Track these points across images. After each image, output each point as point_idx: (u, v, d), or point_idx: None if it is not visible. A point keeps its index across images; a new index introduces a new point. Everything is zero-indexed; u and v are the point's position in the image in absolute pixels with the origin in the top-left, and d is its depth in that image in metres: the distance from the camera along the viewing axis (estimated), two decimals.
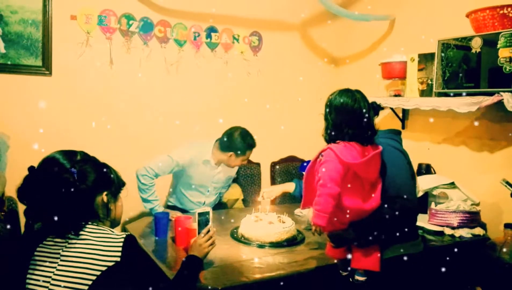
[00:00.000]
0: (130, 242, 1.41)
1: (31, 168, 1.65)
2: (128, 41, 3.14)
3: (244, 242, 2.19)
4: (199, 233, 1.81)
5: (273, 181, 3.56)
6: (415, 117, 3.16)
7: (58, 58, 2.92)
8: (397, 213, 1.72)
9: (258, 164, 3.56)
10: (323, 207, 1.69)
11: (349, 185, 1.72)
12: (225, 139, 2.76)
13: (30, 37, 2.84)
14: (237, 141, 2.71)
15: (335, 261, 1.92)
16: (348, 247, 1.83)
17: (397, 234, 1.76)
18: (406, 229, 1.77)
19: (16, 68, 2.81)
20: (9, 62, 2.78)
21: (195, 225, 1.87)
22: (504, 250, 2.14)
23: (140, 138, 3.18)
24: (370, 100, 2.02)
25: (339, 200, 1.72)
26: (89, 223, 1.44)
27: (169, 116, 3.29)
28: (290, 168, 3.60)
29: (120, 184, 1.58)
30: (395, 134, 1.99)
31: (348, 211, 1.74)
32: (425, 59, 2.80)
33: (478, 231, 2.36)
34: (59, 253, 1.39)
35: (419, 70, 2.83)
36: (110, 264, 1.35)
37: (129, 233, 1.45)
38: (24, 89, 2.83)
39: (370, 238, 1.72)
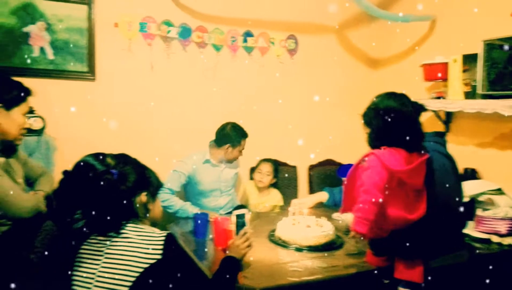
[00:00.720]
0: (170, 241, 1.44)
1: (65, 172, 1.73)
2: (168, 47, 3.23)
3: (282, 245, 2.17)
4: (236, 234, 1.83)
5: (310, 185, 3.54)
6: (459, 120, 3.05)
7: (101, 63, 3.04)
8: (443, 223, 1.66)
9: (294, 167, 3.55)
10: (365, 214, 1.64)
11: (393, 193, 1.66)
12: (218, 135, 2.91)
13: (76, 44, 2.97)
14: (230, 133, 2.87)
15: (375, 269, 1.87)
16: (389, 256, 1.78)
17: (443, 244, 1.69)
18: (452, 239, 1.71)
19: (63, 74, 2.95)
20: (56, 68, 2.92)
21: (232, 227, 1.89)
22: None
23: (178, 140, 3.25)
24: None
25: (382, 208, 1.66)
26: (130, 222, 1.48)
27: (206, 119, 3.34)
28: (327, 171, 3.57)
29: (158, 184, 1.62)
30: (440, 137, 1.91)
31: (391, 220, 1.68)
32: (469, 60, 2.71)
33: None
34: (102, 251, 1.44)
35: (463, 71, 2.75)
36: (152, 262, 1.38)
37: (169, 231, 1.49)
38: (70, 93, 2.97)
39: (414, 249, 1.66)
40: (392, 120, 1.69)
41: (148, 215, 1.56)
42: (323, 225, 2.22)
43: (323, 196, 2.45)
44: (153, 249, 1.40)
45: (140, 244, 1.41)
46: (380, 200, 1.62)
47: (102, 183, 1.45)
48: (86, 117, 2.99)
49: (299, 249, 2.11)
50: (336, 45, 3.82)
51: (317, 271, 1.87)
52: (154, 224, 1.62)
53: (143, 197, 1.53)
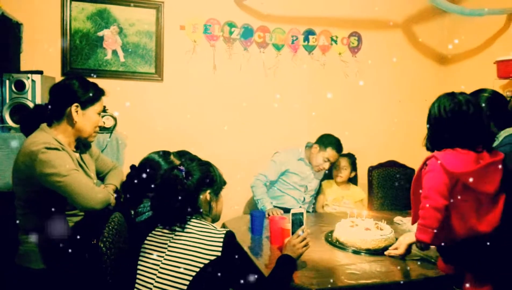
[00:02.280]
0: (230, 238, 1.48)
1: (132, 167, 1.85)
2: (230, 47, 3.31)
3: (339, 246, 2.14)
4: (293, 233, 1.83)
5: (370, 186, 3.43)
6: None
7: (168, 65, 3.19)
8: None
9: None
10: (427, 222, 1.54)
11: (458, 199, 1.52)
12: (319, 137, 3.03)
13: (145, 47, 3.15)
14: (326, 136, 2.99)
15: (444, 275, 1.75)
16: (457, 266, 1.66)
17: None
18: None
19: (133, 75, 3.14)
20: (127, 70, 3.12)
21: (289, 225, 1.89)
22: None
23: (240, 138, 3.32)
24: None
25: (447, 216, 1.54)
26: (194, 217, 1.55)
27: (267, 118, 3.38)
28: (389, 173, 3.44)
29: (222, 183, 1.68)
30: None
31: (455, 230, 1.55)
32: None
33: None
34: (166, 244, 1.51)
35: None
36: (212, 258, 1.43)
37: (228, 229, 1.53)
38: (140, 94, 3.14)
39: (483, 265, 1.52)
40: (446, 120, 1.59)
41: (210, 212, 1.62)
42: (383, 229, 2.16)
43: (412, 237, 1.91)
44: (213, 245, 1.45)
45: (201, 240, 1.47)
46: (443, 205, 1.51)
47: (170, 178, 1.53)
48: (154, 116, 3.15)
49: (356, 252, 2.06)
50: (402, 41, 3.68)
51: (375, 275, 1.81)
52: (215, 220, 1.68)
53: (207, 194, 1.59)
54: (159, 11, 3.14)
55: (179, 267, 1.44)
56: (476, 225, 1.53)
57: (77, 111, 1.77)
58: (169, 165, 1.84)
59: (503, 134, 1.71)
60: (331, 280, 1.75)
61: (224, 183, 1.70)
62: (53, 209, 1.66)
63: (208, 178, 1.60)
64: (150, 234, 1.58)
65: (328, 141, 2.94)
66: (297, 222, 1.86)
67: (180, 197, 1.50)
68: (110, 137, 2.60)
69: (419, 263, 1.93)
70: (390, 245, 2.07)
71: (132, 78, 3.13)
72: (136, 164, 1.92)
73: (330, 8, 3.47)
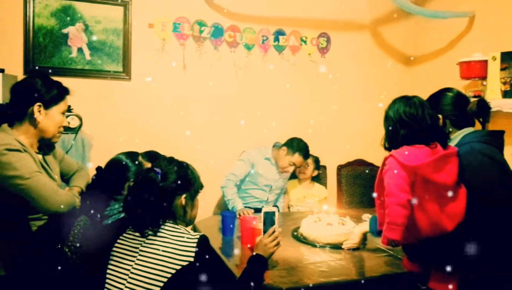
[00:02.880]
0: (203, 243, 1.45)
1: (99, 168, 1.79)
2: (200, 46, 3.28)
3: (304, 241, 2.22)
4: (264, 231, 1.83)
5: (339, 185, 3.49)
6: (496, 120, 2.92)
7: (136, 63, 3.13)
8: (485, 235, 1.51)
9: (324, 167, 3.52)
10: (394, 219, 1.55)
11: (420, 194, 1.56)
12: (287, 140, 3.03)
13: (112, 44, 3.07)
14: (297, 141, 2.98)
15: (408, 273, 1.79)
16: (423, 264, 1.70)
17: (485, 262, 1.52)
18: (496, 257, 1.52)
19: (99, 74, 3.05)
20: (93, 68, 3.03)
21: (260, 225, 1.89)
22: None
23: (210, 138, 3.30)
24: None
25: (411, 214, 1.56)
26: (168, 221, 1.51)
27: (237, 118, 3.37)
28: (358, 171, 3.51)
29: (199, 187, 1.64)
30: (493, 137, 1.72)
31: (421, 225, 1.57)
32: (508, 57, 2.60)
33: None
34: (138, 248, 1.47)
35: (502, 69, 2.63)
36: (184, 263, 1.40)
37: (202, 233, 1.50)
38: (107, 93, 3.07)
39: (449, 262, 1.54)
40: (400, 121, 1.65)
41: (185, 217, 1.59)
42: (345, 224, 2.25)
43: (365, 225, 2.11)
44: (186, 251, 1.42)
45: (174, 245, 1.44)
46: (407, 200, 1.53)
47: (145, 181, 1.49)
48: (121, 116, 3.08)
49: (321, 246, 2.15)
50: (370, 43, 3.76)
51: (344, 272, 1.85)
52: (188, 224, 1.64)
53: (183, 199, 1.55)
54: (127, 9, 3.07)
55: (150, 273, 1.41)
56: (440, 220, 1.56)
57: (40, 111, 1.71)
58: (137, 166, 1.80)
59: (461, 133, 1.75)
60: (302, 279, 1.76)
61: (201, 187, 1.66)
62: (15, 213, 1.60)
63: (185, 182, 1.56)
64: (121, 237, 1.54)
65: (297, 146, 2.95)
66: (268, 221, 1.86)
67: (154, 201, 1.46)
68: (75, 138, 2.53)
69: (386, 259, 1.99)
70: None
71: (98, 77, 3.05)
72: (103, 165, 1.87)
73: (299, 9, 3.50)
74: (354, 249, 2.09)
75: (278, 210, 3.10)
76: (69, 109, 2.64)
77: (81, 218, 1.64)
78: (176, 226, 1.51)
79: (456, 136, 1.75)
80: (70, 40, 2.97)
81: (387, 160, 1.63)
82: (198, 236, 1.46)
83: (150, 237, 1.47)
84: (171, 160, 1.62)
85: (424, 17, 3.37)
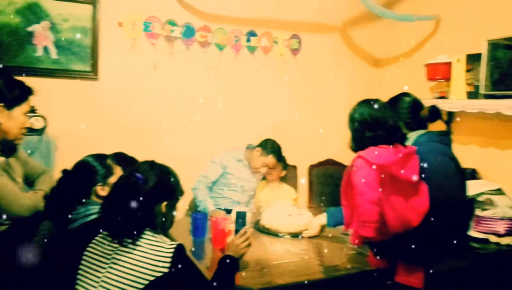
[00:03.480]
0: (179, 253, 1.41)
1: (65, 171, 1.73)
2: (171, 46, 3.24)
3: (266, 232, 2.35)
4: (236, 231, 1.82)
5: (311, 184, 3.53)
6: (460, 120, 3.03)
7: (105, 63, 3.06)
8: (445, 227, 1.63)
9: (294, 167, 3.55)
10: (366, 217, 1.62)
11: (388, 192, 1.64)
12: (262, 141, 3.01)
13: (79, 43, 3.00)
14: (271, 143, 2.99)
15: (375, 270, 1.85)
16: (390, 259, 1.77)
17: (446, 249, 1.66)
18: (455, 244, 1.67)
19: (66, 73, 2.97)
20: (60, 68, 2.95)
21: (231, 227, 1.89)
22: None
23: (181, 139, 3.27)
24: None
25: (381, 209, 1.63)
26: (146, 230, 1.46)
27: (209, 118, 3.35)
28: (328, 171, 3.56)
29: (180, 194, 1.60)
30: (443, 136, 1.88)
31: (390, 223, 1.64)
32: (472, 59, 2.69)
33: None
34: (110, 255, 1.42)
35: (466, 71, 2.73)
36: (159, 274, 1.36)
37: (179, 243, 1.45)
38: (73, 93, 2.99)
39: (416, 254, 1.64)
40: (364, 124, 1.75)
41: (164, 225, 1.54)
42: (303, 214, 2.41)
43: (323, 218, 2.29)
44: (161, 261, 1.38)
45: (149, 255, 1.39)
46: (377, 198, 1.61)
47: (125, 187, 1.43)
48: (89, 117, 3.01)
49: (281, 236, 2.30)
50: (340, 44, 3.81)
51: (315, 271, 1.87)
52: (165, 231, 1.59)
53: (163, 206, 1.51)
54: (95, 7, 3.00)
55: (122, 282, 1.36)
56: (407, 215, 1.64)
57: (1, 112, 1.65)
58: (105, 169, 1.76)
59: (414, 134, 1.88)
60: (273, 279, 1.77)
61: (182, 193, 1.62)
62: None
63: (167, 189, 1.52)
64: (93, 242, 1.49)
65: (271, 148, 2.96)
66: (240, 221, 1.85)
67: (135, 209, 1.40)
68: (40, 140, 2.45)
69: (354, 257, 2.02)
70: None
71: (65, 76, 2.97)
72: (69, 168, 1.82)
73: (271, 11, 3.51)
74: (312, 237, 2.29)
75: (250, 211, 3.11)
76: (33, 110, 2.57)
77: (45, 223, 1.58)
78: (154, 235, 1.46)
79: (411, 137, 1.87)
80: (35, 39, 2.88)
81: (355, 161, 1.70)
82: (174, 246, 1.42)
83: (124, 244, 1.41)
84: (153, 164, 1.56)
85: (392, 19, 3.44)
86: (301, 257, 2.03)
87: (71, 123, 2.94)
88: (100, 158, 1.81)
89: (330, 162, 3.61)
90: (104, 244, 1.45)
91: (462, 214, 1.74)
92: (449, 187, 1.72)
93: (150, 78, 3.19)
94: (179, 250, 1.42)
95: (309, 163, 3.58)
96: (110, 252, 1.42)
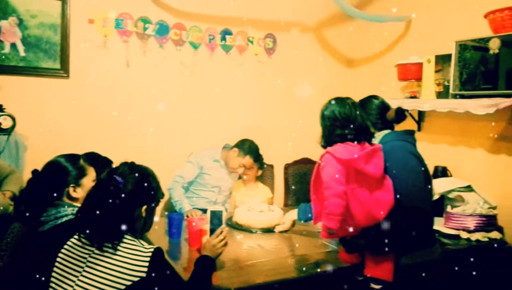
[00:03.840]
0: (157, 257, 1.39)
1: (34, 171, 1.68)
2: (144, 44, 3.19)
3: (238, 228, 2.40)
4: (211, 230, 1.81)
5: (286, 183, 3.55)
6: (431, 119, 3.11)
7: (75, 61, 2.97)
8: (410, 220, 1.70)
9: (271, 166, 3.56)
10: (331, 209, 1.69)
11: (354, 186, 1.72)
12: (239, 141, 3.02)
13: (48, 40, 2.90)
14: (248, 143, 2.99)
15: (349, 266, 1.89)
16: (360, 253, 1.82)
17: (412, 241, 1.73)
18: (421, 236, 1.74)
19: (35, 71, 2.87)
20: (28, 65, 2.85)
21: (207, 227, 1.88)
22: None
23: (155, 139, 3.22)
24: (388, 102, 2.05)
25: (347, 205, 1.71)
26: (126, 234, 1.42)
27: (183, 117, 3.32)
28: (303, 170, 3.59)
29: (160, 197, 1.58)
30: (408, 135, 1.97)
31: (356, 216, 1.72)
32: (442, 60, 2.76)
33: (495, 235, 2.32)
34: (86, 259, 1.38)
35: (436, 71, 2.80)
36: (136, 279, 1.34)
37: (157, 247, 1.43)
38: (43, 91, 2.89)
39: (383, 246, 1.70)
40: (334, 120, 1.82)
41: (143, 228, 1.52)
42: (274, 210, 2.50)
43: (295, 213, 2.36)
44: (138, 265, 1.35)
45: (126, 259, 1.36)
46: (343, 191, 1.68)
47: (105, 190, 1.39)
48: (59, 116, 2.92)
49: (254, 232, 2.36)
50: (314, 44, 3.84)
51: (290, 270, 1.88)
52: (142, 234, 1.57)
53: (143, 210, 1.49)
54: (65, 3, 2.92)
55: (98, 287, 1.33)
56: (372, 208, 1.71)
57: None
58: (77, 170, 1.72)
59: (380, 134, 1.97)
60: (251, 278, 1.77)
61: (162, 196, 1.60)
62: None
63: (148, 192, 1.49)
64: (67, 244, 1.44)
65: (249, 149, 2.95)
66: (216, 221, 1.84)
67: (115, 213, 1.37)
68: (8, 139, 2.37)
69: (328, 256, 2.05)
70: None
71: (34, 74, 2.86)
72: (39, 168, 1.76)
73: (246, 10, 3.50)
74: (284, 232, 2.37)
75: (226, 210, 3.09)
76: (1, 109, 2.48)
77: (15, 225, 1.53)
78: (133, 239, 1.43)
79: (378, 136, 1.96)
80: (2, 35, 2.77)
81: (323, 157, 1.79)
82: (152, 250, 1.39)
83: (104, 249, 1.38)
84: (133, 166, 1.52)
85: (364, 20, 3.50)
86: (277, 255, 2.04)
87: (41, 122, 2.85)
88: (72, 158, 1.76)
89: (305, 161, 3.64)
90: (79, 247, 1.42)
91: (427, 208, 1.81)
92: (413, 182, 1.79)
93: (122, 76, 3.13)
94: (157, 253, 1.40)
95: (285, 162, 3.60)
96: (85, 256, 1.39)
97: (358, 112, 1.83)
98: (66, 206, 1.62)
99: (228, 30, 3.46)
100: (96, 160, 1.88)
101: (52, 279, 1.41)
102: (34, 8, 2.85)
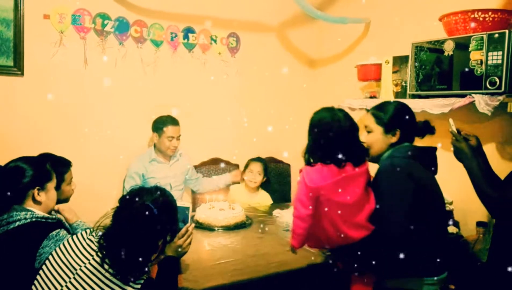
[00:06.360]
0: (148, 286, 1.37)
1: None
2: (103, 41, 3.09)
3: (200, 227, 2.43)
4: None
5: None
6: None
7: (30, 58, 2.84)
8: (399, 242, 1.59)
9: (237, 165, 3.56)
10: (295, 229, 1.71)
11: (324, 209, 1.63)
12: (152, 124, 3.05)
13: (1, 36, 2.75)
14: (156, 121, 3.03)
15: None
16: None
17: (399, 265, 1.60)
18: (403, 263, 1.57)
19: None
20: None
21: None
22: (477, 247, 2.19)
23: (115, 139, 3.12)
24: (348, 101, 2.01)
25: (320, 224, 1.67)
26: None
27: (145, 116, 3.24)
28: (269, 169, 3.59)
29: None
30: (422, 152, 1.82)
31: (330, 236, 1.68)
32: (400, 61, 2.85)
33: (452, 229, 2.41)
34: (76, 270, 1.36)
35: (394, 72, 2.89)
36: None
37: (150, 277, 1.41)
38: None
39: (363, 264, 1.66)
40: (322, 133, 1.66)
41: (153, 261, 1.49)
42: (235, 208, 2.55)
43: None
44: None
45: (116, 281, 1.34)
46: (306, 215, 1.64)
47: (138, 219, 1.35)
48: (12, 115, 2.78)
49: (214, 229, 2.41)
50: (277, 45, 3.87)
51: (255, 270, 1.88)
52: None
53: (160, 243, 1.47)
54: None
55: None
56: (346, 232, 1.65)
57: None
58: (42, 173, 1.67)
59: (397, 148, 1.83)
60: (216, 279, 1.75)
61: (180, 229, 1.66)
62: None
63: (171, 224, 1.50)
64: (60, 247, 1.41)
65: (160, 121, 2.99)
66: (180, 217, 1.77)
67: (144, 244, 1.35)
68: None
69: (292, 254, 2.04)
70: (241, 223, 2.50)
71: None
72: None
73: (209, 8, 3.47)
74: (240, 228, 2.45)
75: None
76: None
77: None
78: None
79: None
80: None
81: (300, 173, 1.71)
82: (145, 277, 1.38)
83: (92, 261, 1.35)
84: (161, 191, 1.46)
85: (325, 21, 3.56)
86: (241, 254, 2.04)
87: None
88: (39, 161, 1.71)
89: (272, 160, 3.66)
90: (70, 255, 1.39)
91: (397, 235, 1.62)
92: (391, 207, 1.66)
93: (80, 74, 3.01)
94: (149, 283, 1.39)
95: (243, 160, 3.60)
96: (76, 266, 1.36)
97: (349, 124, 1.69)
98: (19, 211, 1.56)
99: (191, 28, 3.42)
100: (55, 161, 1.82)
101: (36, 281, 1.39)
102: None
